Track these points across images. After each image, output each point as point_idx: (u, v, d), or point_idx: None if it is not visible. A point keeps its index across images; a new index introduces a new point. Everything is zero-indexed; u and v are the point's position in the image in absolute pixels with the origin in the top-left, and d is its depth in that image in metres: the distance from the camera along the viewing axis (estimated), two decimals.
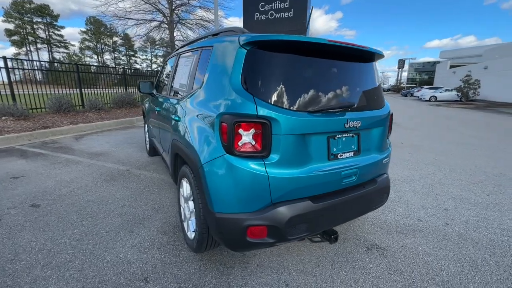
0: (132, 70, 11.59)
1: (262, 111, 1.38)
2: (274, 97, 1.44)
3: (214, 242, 1.80)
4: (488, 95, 21.97)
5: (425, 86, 33.28)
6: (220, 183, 1.46)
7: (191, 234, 1.96)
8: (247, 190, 1.43)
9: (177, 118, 2.09)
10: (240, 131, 1.40)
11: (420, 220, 2.55)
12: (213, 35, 2.12)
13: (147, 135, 4.32)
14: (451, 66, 36.46)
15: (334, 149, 1.63)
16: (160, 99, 2.97)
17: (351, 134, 1.71)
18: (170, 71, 2.92)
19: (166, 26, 11.93)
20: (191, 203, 1.95)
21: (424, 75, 68.07)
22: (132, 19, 11.54)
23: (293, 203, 1.49)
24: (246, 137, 1.42)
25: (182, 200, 2.20)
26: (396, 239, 2.23)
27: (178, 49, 3.15)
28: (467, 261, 1.96)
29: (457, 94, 22.27)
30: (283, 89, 1.47)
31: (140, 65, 60.79)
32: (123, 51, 61.27)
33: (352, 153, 1.73)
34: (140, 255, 1.94)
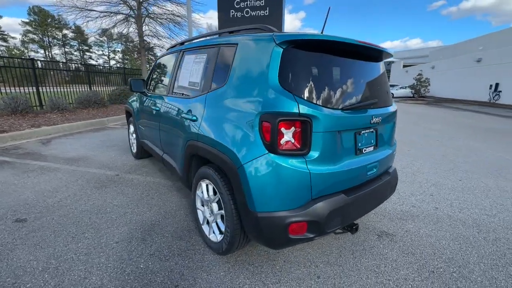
0: (104, 67, 10.64)
1: (303, 109, 1.41)
2: (311, 95, 1.48)
3: (244, 242, 1.79)
4: (435, 91, 24.63)
5: None
6: (263, 182, 1.46)
7: (215, 237, 1.92)
8: (290, 188, 1.45)
9: (193, 118, 2.01)
10: (283, 129, 1.42)
11: (413, 206, 2.81)
12: (230, 32, 2.08)
13: (132, 137, 4.05)
14: (404, 66, 39.90)
15: (359, 144, 1.74)
16: (159, 99, 2.80)
17: (371, 130, 1.82)
18: (169, 69, 2.78)
19: (134, 20, 11.14)
20: (215, 205, 1.90)
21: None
22: (94, 10, 10.55)
23: (330, 197, 1.55)
24: (288, 135, 1.44)
25: (199, 203, 2.14)
26: (400, 225, 2.43)
27: (174, 47, 3.01)
28: (462, 239, 2.23)
29: (411, 91, 24.59)
30: (319, 87, 1.52)
31: (96, 61, 56.05)
32: (75, 45, 55.76)
33: (372, 147, 1.86)
34: (163, 264, 1.84)
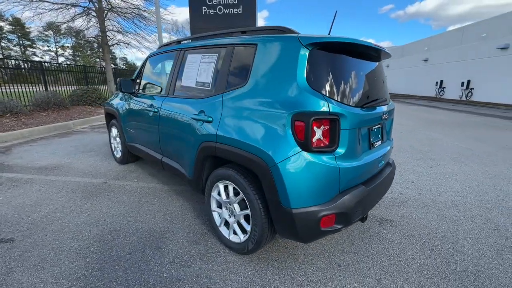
0: (60, 64, 9.45)
1: (333, 108, 1.50)
2: (337, 95, 1.58)
3: (270, 240, 1.83)
4: (391, 88, 27.02)
5: None
6: (297, 179, 1.51)
7: (238, 238, 1.93)
8: (322, 183, 1.53)
9: (208, 119, 1.97)
10: (315, 128, 1.49)
11: (401, 193, 3.11)
12: (242, 32, 2.07)
13: (116, 141, 3.78)
14: None
15: (372, 139, 1.89)
16: (156, 100, 2.67)
17: (379, 125, 1.99)
18: (166, 69, 2.70)
19: (95, 14, 10.16)
20: (236, 206, 1.90)
21: None
22: (48, 1, 9.33)
23: (354, 190, 1.67)
24: (319, 134, 1.51)
25: (214, 205, 2.12)
26: (394, 211, 2.69)
27: (168, 45, 2.87)
28: (447, 219, 2.55)
29: None
30: (341, 86, 1.62)
31: (42, 58, 50.15)
32: (13, 39, 49.11)
33: (380, 141, 2.03)
34: (186, 270, 1.80)
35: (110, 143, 4.00)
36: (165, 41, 9.48)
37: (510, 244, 2.15)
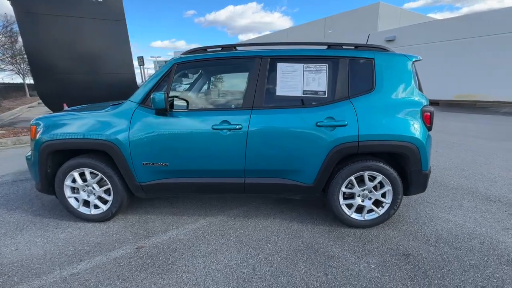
0: None
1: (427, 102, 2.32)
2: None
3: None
4: None
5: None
6: (428, 150, 2.27)
7: (369, 216, 2.39)
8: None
9: (342, 123, 2.16)
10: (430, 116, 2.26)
11: None
12: (356, 47, 2.37)
13: (85, 193, 2.49)
14: None
15: None
16: (236, 113, 2.27)
17: None
18: (235, 80, 2.72)
19: None
20: (374, 193, 2.34)
21: None
22: None
23: None
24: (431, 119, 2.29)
25: (341, 199, 2.36)
26: None
27: (215, 50, 2.42)
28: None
29: None
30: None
31: None
32: None
33: None
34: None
35: (67, 202, 2.51)
36: None
37: None
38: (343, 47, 2.36)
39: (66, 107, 7.41)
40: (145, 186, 2.43)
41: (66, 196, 2.51)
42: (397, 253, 2.04)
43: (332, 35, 24.56)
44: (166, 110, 2.20)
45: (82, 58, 7.70)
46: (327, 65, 2.27)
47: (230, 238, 2.30)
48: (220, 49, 2.44)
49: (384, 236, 2.27)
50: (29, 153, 2.56)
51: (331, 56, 2.29)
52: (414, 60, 2.33)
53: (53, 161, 2.48)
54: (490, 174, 3.63)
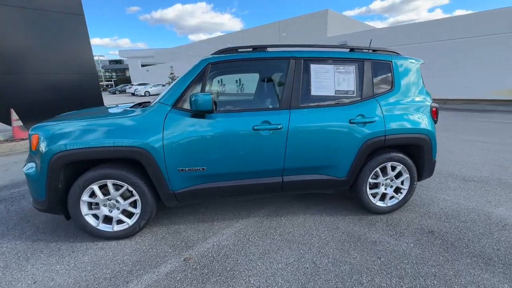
0: None
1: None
2: None
3: None
4: None
5: (135, 83, 35.12)
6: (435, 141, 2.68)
7: (391, 202, 2.71)
8: None
9: (371, 119, 2.40)
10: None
11: None
12: (373, 50, 2.64)
13: (107, 207, 2.23)
14: (143, 65, 43.19)
15: None
16: (275, 113, 2.30)
17: None
18: (273, 81, 2.71)
19: None
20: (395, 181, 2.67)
21: (119, 73, 68.04)
22: None
23: None
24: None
25: (368, 189, 2.62)
26: None
27: (247, 53, 2.41)
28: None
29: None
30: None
31: None
32: None
33: None
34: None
35: (84, 221, 2.20)
36: None
37: None
38: (363, 50, 2.61)
39: (13, 113, 6.28)
40: (179, 194, 2.27)
41: (83, 214, 2.18)
42: (424, 231, 2.35)
43: (286, 38, 25.81)
44: (212, 111, 2.12)
45: (25, 56, 6.60)
46: (354, 66, 2.48)
47: (275, 237, 2.32)
48: (251, 49, 2.45)
49: (406, 219, 2.57)
50: (29, 167, 2.15)
51: (357, 58, 2.51)
52: (421, 62, 2.74)
53: (65, 175, 2.14)
54: (456, 159, 4.36)
